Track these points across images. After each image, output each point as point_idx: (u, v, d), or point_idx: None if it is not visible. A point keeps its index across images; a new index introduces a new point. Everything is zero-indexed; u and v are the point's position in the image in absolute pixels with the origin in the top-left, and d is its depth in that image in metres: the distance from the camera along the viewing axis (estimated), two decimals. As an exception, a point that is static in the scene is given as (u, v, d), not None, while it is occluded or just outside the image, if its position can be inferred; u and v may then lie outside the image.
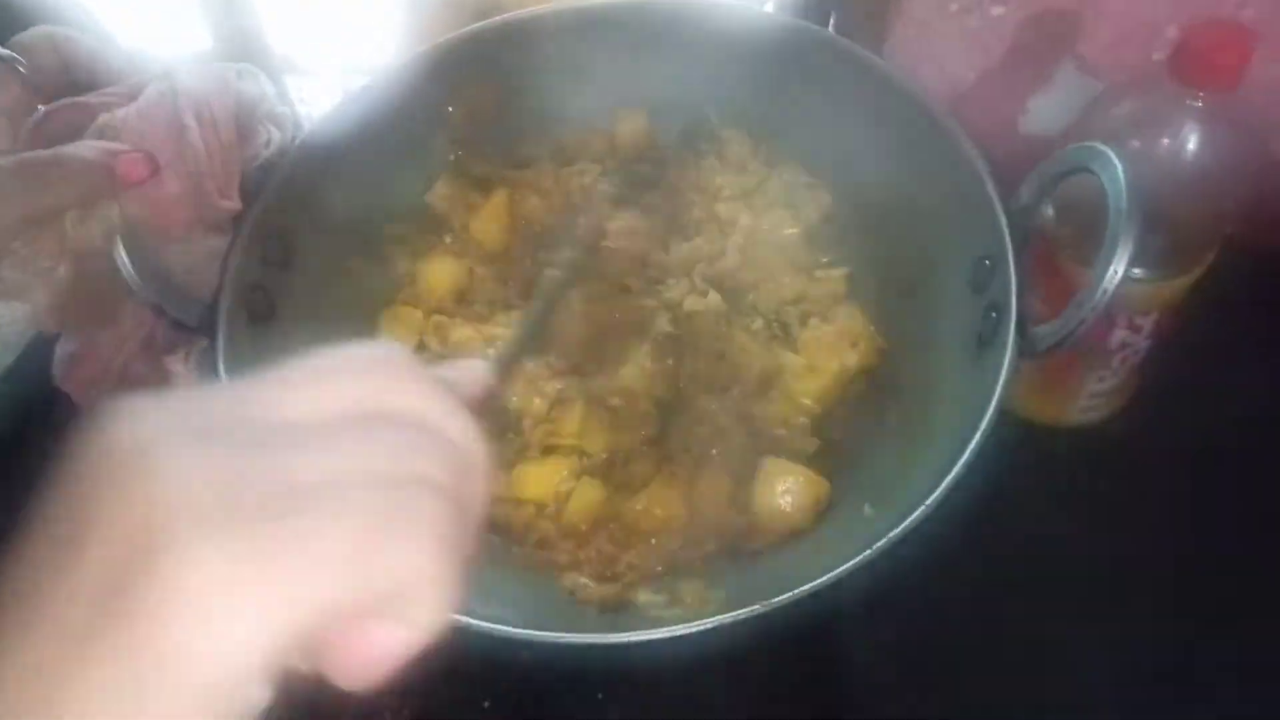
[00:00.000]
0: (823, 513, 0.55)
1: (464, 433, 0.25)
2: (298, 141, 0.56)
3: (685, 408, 0.57)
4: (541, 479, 0.55)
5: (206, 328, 0.49)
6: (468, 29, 0.61)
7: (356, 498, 0.21)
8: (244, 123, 0.50)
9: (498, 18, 0.62)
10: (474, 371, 0.28)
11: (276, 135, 0.53)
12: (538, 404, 0.57)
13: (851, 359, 0.58)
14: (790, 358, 0.59)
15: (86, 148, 0.43)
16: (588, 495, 0.55)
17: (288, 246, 0.55)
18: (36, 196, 0.42)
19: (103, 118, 0.47)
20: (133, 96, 0.48)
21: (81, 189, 0.43)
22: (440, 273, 0.62)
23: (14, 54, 0.46)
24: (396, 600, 0.21)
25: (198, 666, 0.19)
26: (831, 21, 0.71)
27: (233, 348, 0.50)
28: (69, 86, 0.47)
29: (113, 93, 0.48)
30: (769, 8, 0.74)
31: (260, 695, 0.20)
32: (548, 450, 0.57)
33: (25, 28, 0.49)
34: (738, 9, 0.65)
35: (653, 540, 0.54)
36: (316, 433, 0.22)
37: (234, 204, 0.49)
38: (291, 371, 0.24)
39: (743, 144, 0.66)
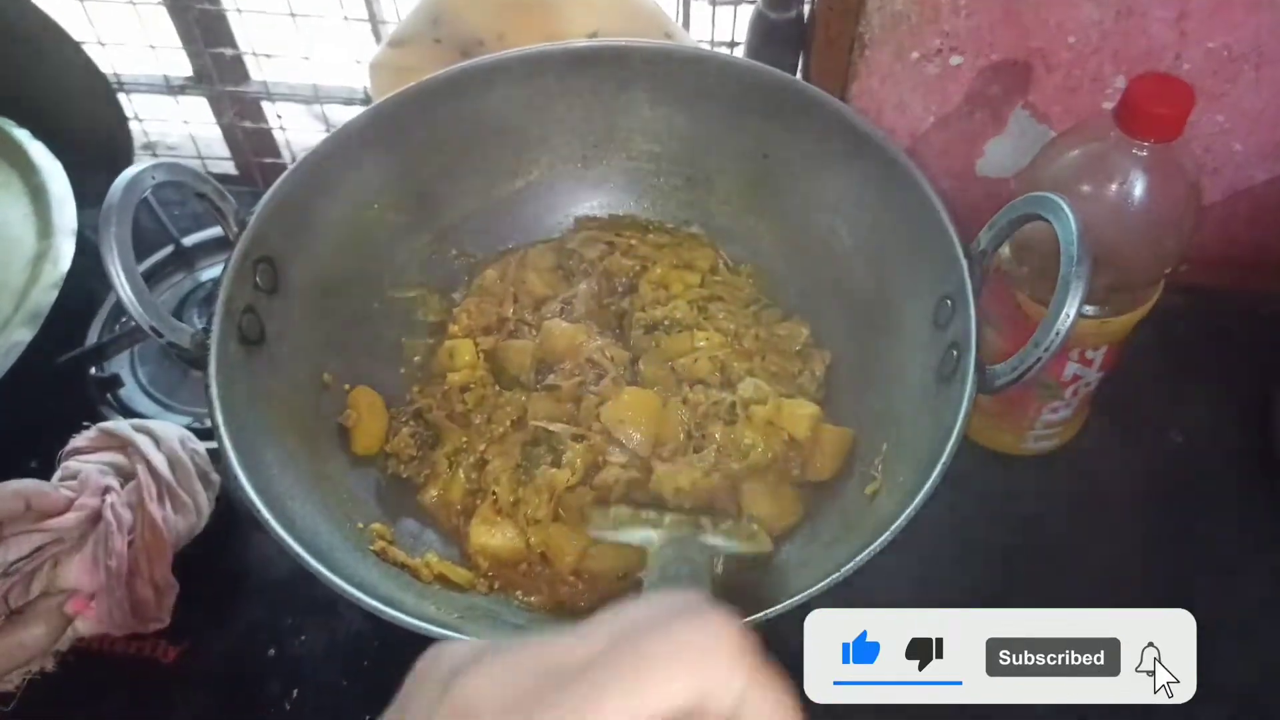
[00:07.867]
0: (788, 535, 0.57)
1: None
2: (289, 168, 0.57)
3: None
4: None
5: (200, 351, 0.50)
6: (449, 69, 0.61)
7: None
8: (180, 505, 0.58)
9: (476, 59, 0.62)
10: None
11: (206, 505, 0.60)
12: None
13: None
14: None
15: (45, 609, 0.55)
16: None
17: (276, 271, 0.56)
18: (20, 654, 0.54)
19: (49, 557, 0.55)
20: (76, 525, 0.55)
21: (49, 641, 0.55)
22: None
23: None
24: None
25: None
26: (799, 67, 0.73)
27: (225, 370, 0.51)
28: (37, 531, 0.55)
29: (57, 526, 0.55)
30: (737, 53, 0.76)
31: None
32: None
33: None
34: (706, 54, 0.66)
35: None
36: None
37: (162, 622, 0.58)
38: (611, 645, 0.22)
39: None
